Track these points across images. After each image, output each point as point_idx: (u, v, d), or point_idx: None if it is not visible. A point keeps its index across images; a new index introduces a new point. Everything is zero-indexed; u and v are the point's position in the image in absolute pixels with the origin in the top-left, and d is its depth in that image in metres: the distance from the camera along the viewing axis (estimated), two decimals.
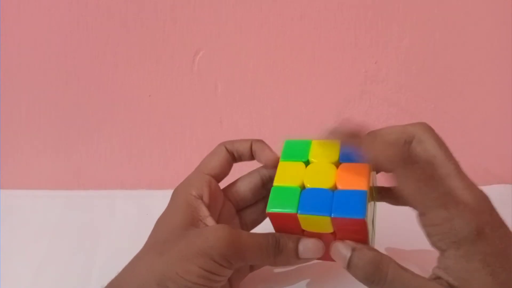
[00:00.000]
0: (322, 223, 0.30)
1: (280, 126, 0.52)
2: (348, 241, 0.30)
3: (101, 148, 0.53)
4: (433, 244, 0.29)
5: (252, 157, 0.36)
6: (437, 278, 0.28)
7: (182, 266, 0.29)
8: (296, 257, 0.31)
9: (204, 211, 0.33)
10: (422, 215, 0.28)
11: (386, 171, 0.30)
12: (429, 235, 0.29)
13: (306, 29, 0.47)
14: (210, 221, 0.32)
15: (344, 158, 0.32)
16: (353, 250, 0.29)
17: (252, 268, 0.37)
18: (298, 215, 0.30)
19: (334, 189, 0.30)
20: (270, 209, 0.31)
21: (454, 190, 0.29)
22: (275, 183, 0.32)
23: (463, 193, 0.29)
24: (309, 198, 0.30)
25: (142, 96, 0.50)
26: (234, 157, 0.37)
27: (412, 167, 0.29)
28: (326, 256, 0.32)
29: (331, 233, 0.31)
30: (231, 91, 0.50)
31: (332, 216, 0.29)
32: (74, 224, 0.48)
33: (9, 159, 0.53)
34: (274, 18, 0.46)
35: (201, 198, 0.33)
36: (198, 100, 0.50)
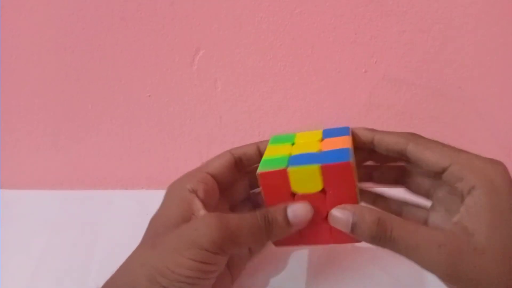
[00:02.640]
0: (311, 178, 0.31)
1: (279, 122, 0.51)
2: (345, 205, 0.30)
3: (99, 147, 0.52)
4: (454, 190, 0.30)
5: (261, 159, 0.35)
6: (454, 224, 0.29)
7: (172, 260, 0.29)
8: (288, 225, 0.31)
9: (197, 205, 0.32)
10: (447, 169, 0.30)
11: (402, 146, 0.33)
12: (459, 181, 0.30)
13: (305, 25, 0.46)
14: (201, 214, 0.32)
15: (327, 135, 0.35)
16: (354, 213, 0.30)
17: (251, 255, 0.36)
18: (288, 170, 0.31)
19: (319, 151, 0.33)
20: (261, 169, 0.31)
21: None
22: (264, 157, 0.34)
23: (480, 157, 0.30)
24: (298, 157, 0.32)
25: (142, 95, 0.50)
26: (242, 162, 0.36)
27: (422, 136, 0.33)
28: (323, 237, 0.32)
29: (321, 194, 0.31)
30: (230, 88, 0.50)
31: (320, 164, 0.30)
32: (73, 224, 0.48)
33: (8, 159, 0.53)
34: (273, 14, 0.46)
35: (195, 192, 0.33)
36: (198, 98, 0.50)
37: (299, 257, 0.41)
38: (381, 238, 0.29)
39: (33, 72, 0.49)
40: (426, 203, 0.36)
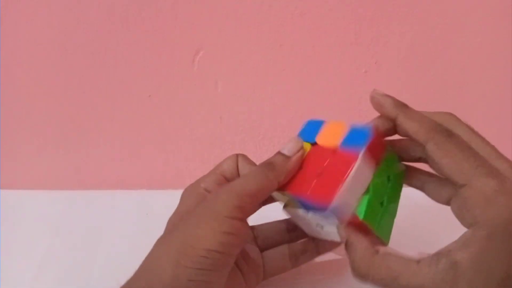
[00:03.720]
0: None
1: (280, 123, 0.52)
2: (345, 230, 0.30)
3: (101, 148, 0.52)
4: (465, 219, 0.27)
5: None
6: (444, 254, 0.26)
7: (196, 236, 0.29)
8: (287, 159, 0.32)
9: None
10: (462, 187, 0.27)
11: (422, 141, 0.29)
12: (466, 209, 0.27)
13: (306, 26, 0.46)
14: None
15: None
16: (347, 239, 0.30)
17: (266, 273, 0.37)
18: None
19: None
20: None
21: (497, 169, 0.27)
22: None
23: (508, 171, 0.27)
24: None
25: (142, 95, 0.50)
26: None
27: (449, 134, 0.29)
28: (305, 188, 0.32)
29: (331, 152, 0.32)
30: (231, 89, 0.50)
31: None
32: (74, 224, 0.48)
33: (9, 159, 0.53)
34: (274, 15, 0.46)
35: (210, 192, 0.33)
36: (198, 98, 0.50)
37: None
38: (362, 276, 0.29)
39: (34, 72, 0.49)
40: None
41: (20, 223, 0.48)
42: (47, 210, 0.50)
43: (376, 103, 0.33)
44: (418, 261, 0.27)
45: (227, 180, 0.35)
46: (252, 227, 0.38)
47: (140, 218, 0.48)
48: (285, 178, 0.32)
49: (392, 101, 0.32)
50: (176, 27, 0.46)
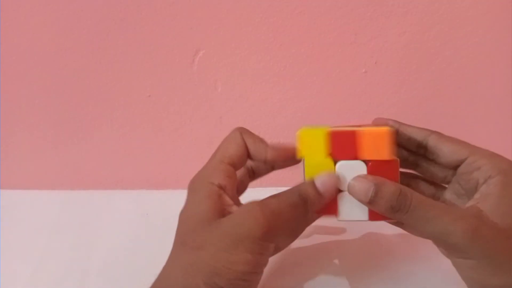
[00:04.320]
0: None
1: (280, 123, 0.51)
2: (366, 175, 0.31)
3: (100, 148, 0.52)
4: (471, 181, 0.32)
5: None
6: (469, 206, 0.30)
7: (227, 258, 0.29)
8: (319, 195, 0.32)
9: (228, 200, 0.32)
10: (464, 160, 0.32)
11: (424, 136, 0.35)
12: (475, 171, 0.31)
13: (305, 26, 0.46)
14: (235, 210, 0.32)
15: None
16: (376, 184, 0.30)
17: (275, 250, 0.36)
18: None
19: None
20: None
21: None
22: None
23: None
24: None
25: (142, 95, 0.50)
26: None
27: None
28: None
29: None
30: (230, 89, 0.50)
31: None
32: (73, 224, 0.48)
33: (8, 159, 0.53)
34: (273, 15, 0.46)
35: (223, 189, 0.32)
36: (198, 98, 0.50)
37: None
38: (400, 208, 0.30)
39: (33, 72, 0.49)
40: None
41: (19, 223, 0.48)
42: (46, 210, 0.50)
43: (378, 124, 0.37)
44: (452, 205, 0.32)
45: (236, 168, 0.34)
46: None
47: (139, 218, 0.48)
48: (313, 212, 0.33)
49: (393, 120, 0.36)
50: (176, 27, 0.46)
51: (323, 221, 0.34)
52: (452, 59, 0.48)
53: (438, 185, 0.36)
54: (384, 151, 0.32)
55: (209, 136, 0.52)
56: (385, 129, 0.31)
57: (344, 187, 0.32)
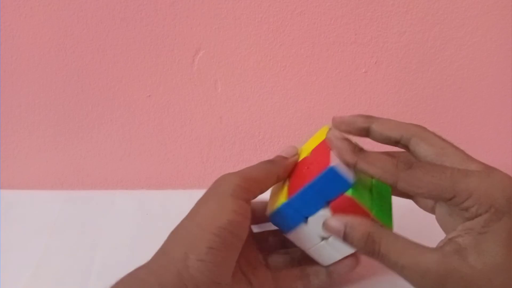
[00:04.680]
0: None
1: (279, 123, 0.51)
2: (340, 216, 0.31)
3: (100, 147, 0.52)
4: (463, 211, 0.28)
5: None
6: (446, 241, 0.29)
7: (204, 215, 0.31)
8: (285, 159, 0.36)
9: None
10: (450, 200, 0.28)
11: (391, 183, 0.29)
12: (458, 206, 0.28)
13: (305, 25, 0.46)
14: None
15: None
16: (346, 224, 0.30)
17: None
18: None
19: None
20: None
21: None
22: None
23: (479, 168, 0.29)
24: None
25: (142, 95, 0.50)
26: None
27: (410, 166, 0.29)
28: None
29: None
30: (230, 89, 0.50)
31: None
32: (73, 224, 0.48)
33: (8, 159, 0.53)
34: (273, 15, 0.46)
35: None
36: (198, 98, 0.50)
37: None
38: (370, 252, 0.29)
39: (34, 72, 0.49)
40: None
41: (19, 223, 0.48)
42: (46, 210, 0.50)
43: (333, 146, 0.32)
44: (424, 247, 0.29)
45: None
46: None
47: (139, 218, 0.48)
48: (283, 173, 0.36)
49: (348, 147, 0.31)
50: (176, 26, 0.46)
51: None
52: (452, 59, 0.48)
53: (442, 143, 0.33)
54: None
55: (209, 136, 0.52)
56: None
57: (325, 233, 0.33)
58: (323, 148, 0.34)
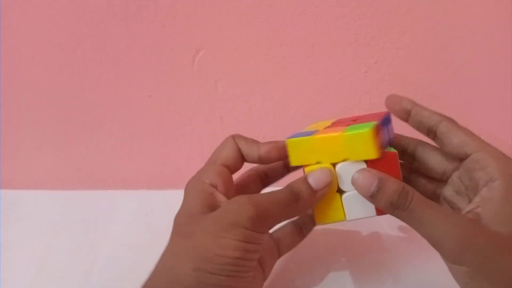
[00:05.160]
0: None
1: (280, 122, 0.51)
2: (370, 169, 0.31)
3: (100, 147, 0.52)
4: (474, 180, 0.31)
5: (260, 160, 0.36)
6: (468, 211, 0.30)
7: (216, 243, 0.29)
8: (313, 191, 0.32)
9: (220, 197, 0.32)
10: (471, 155, 0.31)
11: (436, 121, 0.33)
12: (479, 169, 0.31)
13: (306, 25, 0.46)
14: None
15: None
16: (379, 179, 0.30)
17: (280, 252, 0.37)
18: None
19: None
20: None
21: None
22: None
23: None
24: None
25: (142, 95, 0.50)
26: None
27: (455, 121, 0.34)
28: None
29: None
30: (231, 88, 0.50)
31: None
32: (74, 224, 0.48)
33: (9, 159, 0.53)
34: (274, 15, 0.46)
35: (215, 187, 0.33)
36: (198, 98, 0.50)
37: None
38: (400, 206, 0.30)
39: (34, 72, 0.49)
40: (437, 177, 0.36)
41: (20, 223, 0.48)
42: (47, 210, 0.50)
43: (392, 101, 0.36)
44: (451, 212, 0.31)
45: (230, 170, 0.35)
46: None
47: (140, 218, 0.48)
48: (305, 210, 0.33)
49: (408, 99, 0.35)
50: (176, 26, 0.46)
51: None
52: (452, 59, 0.48)
53: (439, 180, 0.36)
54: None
55: (210, 136, 0.52)
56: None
57: (347, 187, 0.32)
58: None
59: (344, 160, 0.32)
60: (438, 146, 0.34)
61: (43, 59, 0.48)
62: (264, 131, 0.52)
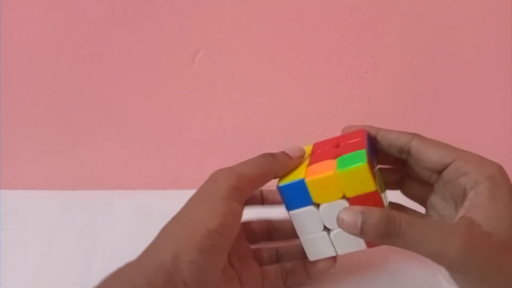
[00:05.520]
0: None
1: (279, 125, 0.51)
2: (351, 207, 0.31)
3: (100, 148, 0.52)
4: (459, 186, 0.31)
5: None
6: (460, 218, 0.30)
7: (195, 217, 0.31)
8: (289, 157, 0.35)
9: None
10: (449, 165, 0.32)
11: (406, 141, 0.34)
12: (461, 176, 0.31)
13: (305, 26, 0.46)
14: None
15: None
16: (362, 212, 0.30)
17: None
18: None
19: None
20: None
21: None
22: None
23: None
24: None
25: (141, 96, 0.50)
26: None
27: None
28: None
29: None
30: (230, 90, 0.50)
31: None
32: (73, 224, 0.48)
33: (8, 159, 0.53)
34: (273, 16, 0.46)
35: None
36: (198, 99, 0.50)
37: None
38: (390, 234, 0.29)
39: (33, 73, 0.49)
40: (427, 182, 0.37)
41: (19, 223, 0.48)
42: (46, 210, 0.50)
43: (345, 130, 0.37)
44: (443, 224, 0.32)
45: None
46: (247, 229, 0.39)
47: (139, 218, 0.48)
48: (282, 172, 0.35)
49: (368, 126, 0.36)
50: (176, 27, 0.46)
51: None
52: (452, 60, 0.48)
53: (429, 185, 0.36)
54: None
55: (209, 137, 0.52)
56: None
57: (333, 225, 0.33)
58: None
59: (343, 197, 0.32)
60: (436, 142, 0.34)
61: (42, 60, 0.48)
62: (263, 133, 0.52)
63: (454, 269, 0.29)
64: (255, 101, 0.50)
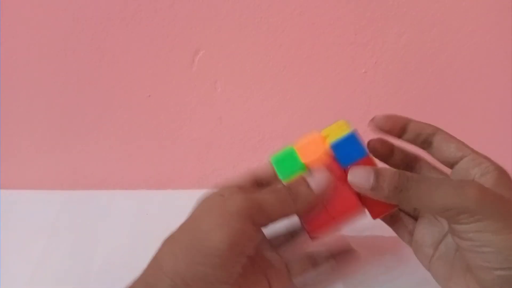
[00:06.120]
0: None
1: (279, 123, 0.52)
2: (366, 166, 0.31)
3: (99, 148, 0.52)
4: (469, 176, 0.32)
5: None
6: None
7: (206, 232, 0.29)
8: (312, 192, 0.32)
9: None
10: (464, 157, 0.32)
11: (431, 132, 0.34)
12: (474, 165, 0.32)
13: (305, 26, 0.46)
14: None
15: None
16: (375, 170, 0.30)
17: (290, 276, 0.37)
18: None
19: None
20: None
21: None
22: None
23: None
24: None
25: (142, 95, 0.50)
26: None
27: None
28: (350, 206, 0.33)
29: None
30: (230, 89, 0.50)
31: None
32: (73, 224, 0.48)
33: (7, 159, 0.53)
34: (273, 15, 0.46)
35: None
36: (197, 99, 0.50)
37: None
38: (404, 186, 0.29)
39: (33, 72, 0.49)
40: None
41: (18, 223, 0.48)
42: (45, 210, 0.50)
43: (392, 121, 0.35)
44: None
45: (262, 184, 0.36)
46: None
47: (138, 218, 0.48)
48: (304, 212, 0.33)
49: (403, 117, 0.36)
50: (175, 27, 0.46)
51: None
52: (451, 59, 0.48)
53: (440, 172, 0.36)
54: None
55: (209, 137, 0.52)
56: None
57: None
58: None
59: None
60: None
61: (42, 59, 0.48)
62: (263, 132, 0.52)
63: (467, 216, 0.28)
64: (254, 101, 0.50)
